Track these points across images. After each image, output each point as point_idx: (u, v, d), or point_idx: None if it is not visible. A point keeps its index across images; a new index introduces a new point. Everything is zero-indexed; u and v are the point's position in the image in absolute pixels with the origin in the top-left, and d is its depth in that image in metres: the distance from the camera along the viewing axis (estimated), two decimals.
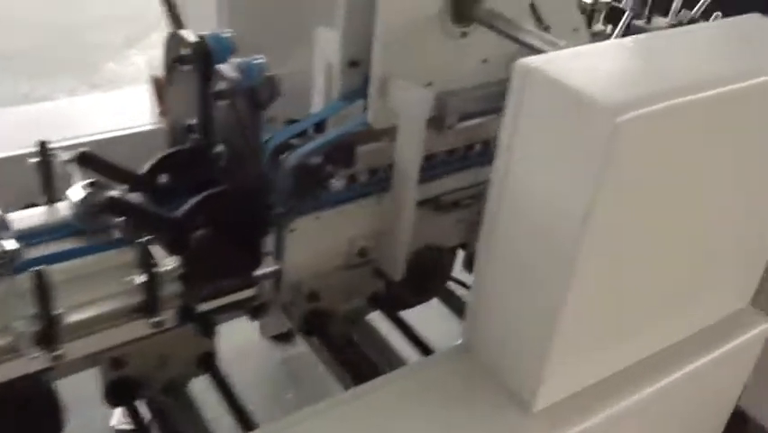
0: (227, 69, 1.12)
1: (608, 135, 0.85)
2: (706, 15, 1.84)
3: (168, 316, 1.14)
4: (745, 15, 1.27)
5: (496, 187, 1.05)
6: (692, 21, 1.83)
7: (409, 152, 1.30)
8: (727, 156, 1.03)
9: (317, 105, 1.46)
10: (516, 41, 1.23)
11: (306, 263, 1.38)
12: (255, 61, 1.12)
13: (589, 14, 1.79)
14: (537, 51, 1.18)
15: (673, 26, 1.83)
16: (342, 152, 1.34)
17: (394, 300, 1.59)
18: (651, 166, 0.92)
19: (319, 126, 1.42)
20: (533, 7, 1.42)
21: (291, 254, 1.35)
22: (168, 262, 1.09)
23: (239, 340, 1.72)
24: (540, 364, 1.07)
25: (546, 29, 1.43)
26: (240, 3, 1.53)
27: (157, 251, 1.12)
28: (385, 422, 1.10)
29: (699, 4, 1.87)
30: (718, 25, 1.12)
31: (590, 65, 0.94)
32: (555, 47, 1.16)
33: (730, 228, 1.17)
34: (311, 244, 1.37)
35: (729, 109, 0.96)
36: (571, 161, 0.91)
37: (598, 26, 1.85)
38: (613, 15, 2.05)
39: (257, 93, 1.09)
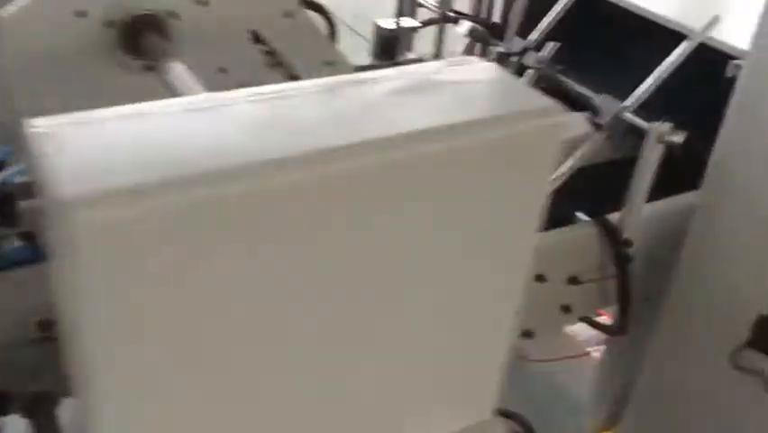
0: None
1: (69, 236, 0.60)
2: (539, 45, 1.57)
3: None
4: (459, 58, 1.01)
5: None
6: (524, 50, 1.57)
7: None
8: (338, 258, 0.75)
9: None
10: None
11: None
12: None
13: (392, 42, 1.54)
14: None
15: (503, 55, 1.57)
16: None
17: None
18: (173, 271, 0.66)
19: None
20: (256, 36, 1.16)
21: None
22: None
23: None
24: None
25: (280, 64, 1.18)
26: None
27: None
28: None
29: (538, 35, 1.61)
30: (402, 73, 0.84)
31: (114, 134, 0.68)
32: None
33: (410, 337, 0.89)
34: None
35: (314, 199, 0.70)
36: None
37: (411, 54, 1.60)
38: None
39: None
